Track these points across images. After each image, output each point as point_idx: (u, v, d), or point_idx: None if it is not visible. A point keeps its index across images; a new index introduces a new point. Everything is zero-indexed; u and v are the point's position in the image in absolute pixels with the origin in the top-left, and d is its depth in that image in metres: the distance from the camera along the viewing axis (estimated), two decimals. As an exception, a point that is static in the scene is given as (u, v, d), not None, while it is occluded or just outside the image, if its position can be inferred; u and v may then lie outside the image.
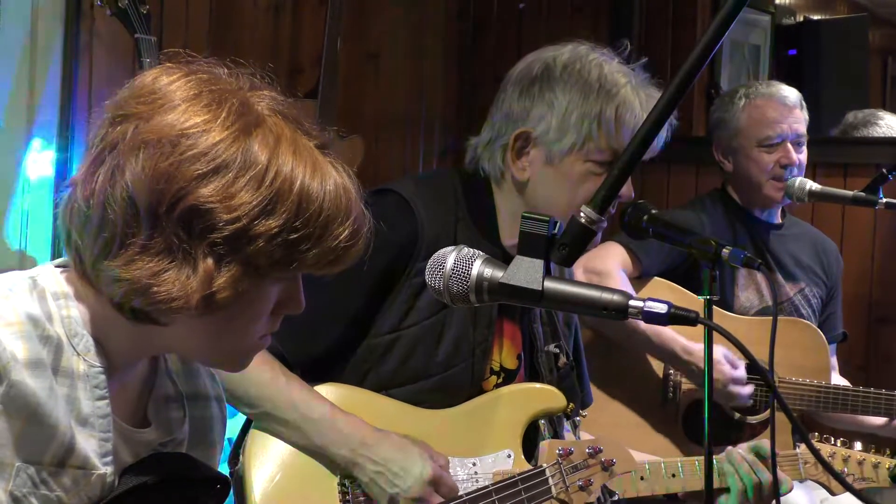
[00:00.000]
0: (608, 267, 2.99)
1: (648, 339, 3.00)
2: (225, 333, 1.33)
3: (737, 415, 3.08)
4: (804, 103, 3.26)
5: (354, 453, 2.05)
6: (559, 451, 2.16)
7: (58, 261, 1.37)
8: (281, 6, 3.87)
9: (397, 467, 2.04)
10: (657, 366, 3.13)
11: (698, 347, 2.97)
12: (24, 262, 3.05)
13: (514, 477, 2.11)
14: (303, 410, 2.05)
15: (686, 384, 3.09)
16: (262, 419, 2.08)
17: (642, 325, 2.97)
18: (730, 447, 2.35)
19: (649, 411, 3.12)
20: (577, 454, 2.16)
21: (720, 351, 2.93)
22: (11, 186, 3.05)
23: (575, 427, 2.28)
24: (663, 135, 2.13)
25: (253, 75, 1.34)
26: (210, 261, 1.24)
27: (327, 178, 1.29)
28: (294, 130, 1.30)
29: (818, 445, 2.45)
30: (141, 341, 1.35)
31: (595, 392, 2.56)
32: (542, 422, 2.22)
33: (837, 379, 3.29)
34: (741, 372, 2.95)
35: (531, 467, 2.17)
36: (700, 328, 1.45)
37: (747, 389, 2.96)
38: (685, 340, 2.98)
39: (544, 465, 2.15)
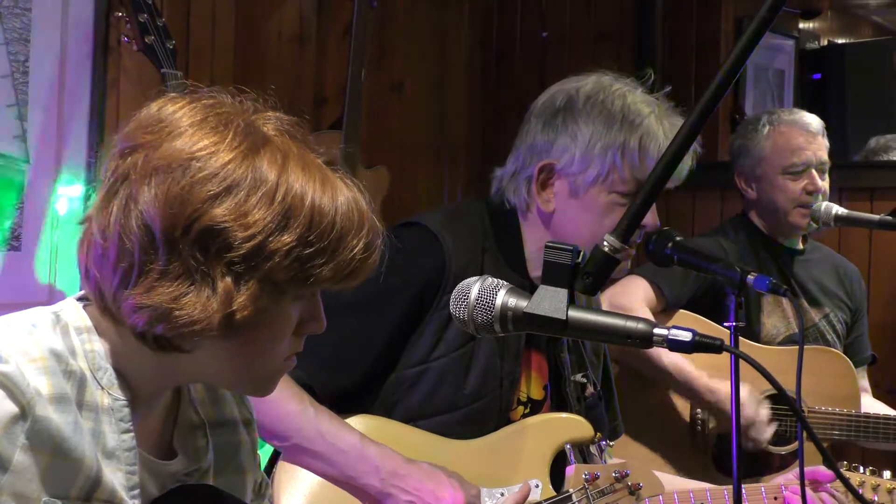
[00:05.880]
0: (632, 303, 2.99)
1: (673, 378, 3.00)
2: (248, 355, 1.33)
3: (766, 446, 3.06)
4: (825, 130, 3.26)
5: (385, 484, 2.04)
6: (585, 475, 2.15)
7: (79, 294, 1.38)
8: (305, 38, 3.90)
9: (430, 497, 2.03)
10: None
11: (724, 387, 2.96)
12: (53, 295, 3.07)
13: (540, 503, 2.11)
14: (332, 441, 2.05)
15: None
16: (291, 451, 2.08)
17: (666, 362, 3.00)
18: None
19: (679, 444, 3.11)
20: (603, 479, 2.15)
21: (745, 391, 2.91)
22: (41, 221, 3.08)
23: (601, 451, 2.27)
24: (688, 163, 2.12)
25: (256, 100, 1.36)
26: (228, 280, 1.25)
27: (338, 193, 1.30)
28: (301, 148, 1.32)
29: (847, 474, 2.43)
30: (165, 372, 1.36)
31: (624, 426, 2.55)
32: (567, 447, 2.21)
33: (872, 401, 3.26)
34: (764, 413, 2.94)
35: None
36: (726, 359, 1.44)
37: (767, 433, 2.95)
38: (708, 379, 2.97)
39: (571, 490, 2.15)
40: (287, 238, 1.25)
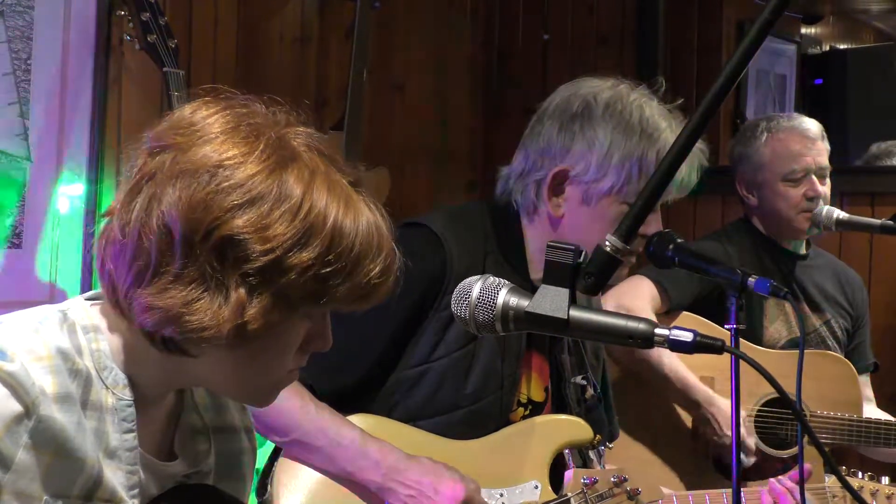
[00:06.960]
0: (637, 304, 2.98)
1: (673, 385, 2.99)
2: (253, 366, 1.33)
3: (768, 449, 3.06)
4: (825, 134, 3.25)
5: (385, 478, 2.05)
6: (584, 479, 2.15)
7: (88, 293, 1.38)
8: (307, 39, 3.90)
9: (430, 491, 2.03)
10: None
11: (724, 403, 2.95)
12: (53, 294, 3.07)
13: (539, 505, 2.11)
14: (332, 437, 2.05)
15: None
16: (292, 447, 2.09)
17: (667, 369, 2.99)
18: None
19: (680, 447, 3.10)
20: (602, 483, 2.16)
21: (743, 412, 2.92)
22: (42, 219, 3.08)
23: (600, 457, 2.27)
24: (694, 176, 2.13)
25: (289, 113, 1.35)
26: (242, 291, 1.25)
27: (360, 215, 1.30)
28: (328, 166, 1.31)
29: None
30: (170, 373, 1.36)
31: (625, 428, 2.55)
32: (566, 451, 2.21)
33: (875, 410, 3.25)
34: (750, 441, 2.94)
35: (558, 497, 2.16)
36: (727, 360, 1.44)
37: (750, 460, 2.96)
38: (711, 392, 2.97)
39: (569, 493, 2.15)
40: (306, 256, 1.25)
